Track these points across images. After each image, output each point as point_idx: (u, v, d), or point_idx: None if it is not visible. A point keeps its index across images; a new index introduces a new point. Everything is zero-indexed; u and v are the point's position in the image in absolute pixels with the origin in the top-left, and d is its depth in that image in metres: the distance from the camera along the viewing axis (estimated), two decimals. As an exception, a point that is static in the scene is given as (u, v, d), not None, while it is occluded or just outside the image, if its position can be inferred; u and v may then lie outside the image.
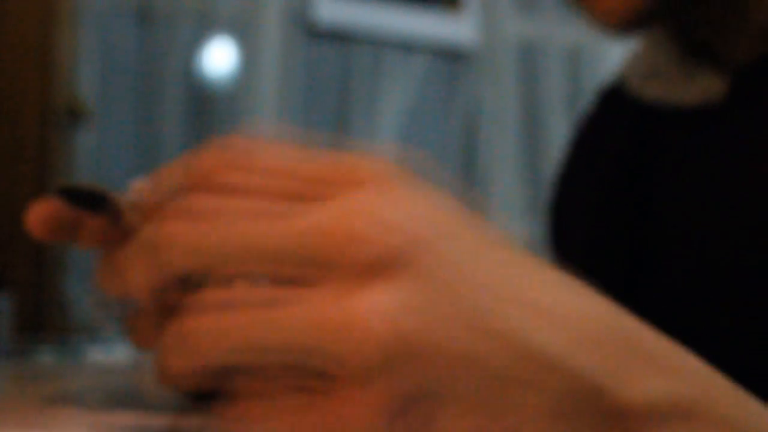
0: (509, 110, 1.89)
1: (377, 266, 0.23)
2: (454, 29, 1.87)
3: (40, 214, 0.30)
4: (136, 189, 0.28)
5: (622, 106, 0.52)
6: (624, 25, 0.45)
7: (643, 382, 0.24)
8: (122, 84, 1.61)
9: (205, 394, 0.26)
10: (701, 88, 0.46)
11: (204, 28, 1.67)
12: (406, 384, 0.23)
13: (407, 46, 1.82)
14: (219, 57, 1.69)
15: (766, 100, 0.42)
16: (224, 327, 0.24)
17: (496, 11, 1.89)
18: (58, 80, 1.25)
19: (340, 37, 1.78)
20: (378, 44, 1.80)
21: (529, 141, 1.90)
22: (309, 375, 0.24)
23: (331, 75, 1.78)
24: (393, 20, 1.81)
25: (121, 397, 0.42)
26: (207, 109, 1.66)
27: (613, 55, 1.65)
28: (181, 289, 0.25)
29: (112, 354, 0.70)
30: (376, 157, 0.25)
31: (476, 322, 0.23)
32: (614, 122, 0.54)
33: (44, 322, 1.17)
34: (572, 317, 0.24)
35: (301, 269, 0.23)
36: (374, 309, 0.22)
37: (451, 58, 1.87)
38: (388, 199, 0.24)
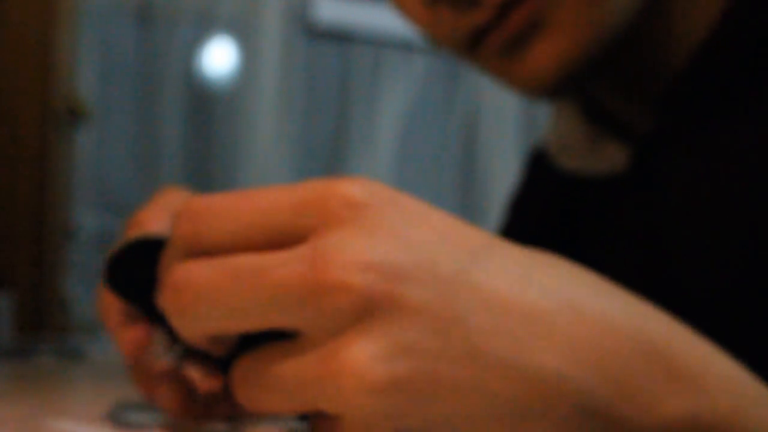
0: (509, 110, 1.89)
1: (360, 312, 0.22)
2: (454, 29, 1.87)
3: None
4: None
5: (548, 171, 0.55)
6: (553, 85, 0.41)
7: (658, 402, 0.23)
8: (122, 84, 1.61)
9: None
10: (606, 158, 0.48)
11: (204, 28, 1.67)
12: (409, 423, 0.22)
13: (407, 46, 1.82)
14: (219, 57, 1.69)
15: (664, 168, 0.44)
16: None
17: (496, 11, 1.88)
18: (58, 80, 1.25)
19: (340, 37, 1.78)
20: (378, 44, 1.80)
21: (529, 141, 1.89)
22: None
23: (331, 75, 1.78)
24: (393, 20, 1.81)
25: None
26: (207, 109, 1.65)
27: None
28: None
29: (112, 354, 0.70)
30: (349, 180, 0.24)
31: (470, 351, 0.22)
32: (542, 186, 0.57)
33: (44, 322, 1.17)
34: (583, 330, 0.23)
35: (286, 322, 0.23)
36: (366, 358, 0.22)
37: (451, 58, 1.87)
38: (361, 234, 0.23)
